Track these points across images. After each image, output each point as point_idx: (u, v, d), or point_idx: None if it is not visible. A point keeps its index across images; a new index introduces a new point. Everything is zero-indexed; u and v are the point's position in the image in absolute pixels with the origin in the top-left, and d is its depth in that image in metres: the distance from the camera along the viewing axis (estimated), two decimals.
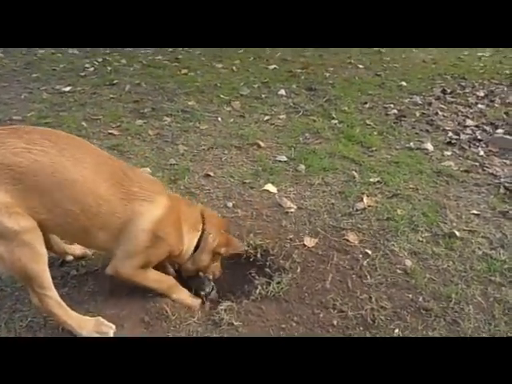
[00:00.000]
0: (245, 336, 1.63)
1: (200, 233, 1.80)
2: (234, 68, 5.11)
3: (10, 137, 1.39)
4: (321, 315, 1.75)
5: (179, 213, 1.72)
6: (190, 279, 1.90)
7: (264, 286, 1.86)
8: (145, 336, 1.61)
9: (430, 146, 3.25)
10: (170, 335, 1.62)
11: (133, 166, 1.80)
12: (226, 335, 1.63)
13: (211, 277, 1.90)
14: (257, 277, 1.93)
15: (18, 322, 1.65)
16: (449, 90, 4.50)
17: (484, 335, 1.68)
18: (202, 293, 1.85)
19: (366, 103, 4.11)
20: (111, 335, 1.59)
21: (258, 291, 1.83)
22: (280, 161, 2.99)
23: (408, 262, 2.05)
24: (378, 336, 1.66)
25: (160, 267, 1.85)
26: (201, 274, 1.89)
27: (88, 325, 1.59)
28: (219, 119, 3.65)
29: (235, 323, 1.68)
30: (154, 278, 1.76)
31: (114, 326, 1.62)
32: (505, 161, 3.07)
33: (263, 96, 4.21)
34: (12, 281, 1.82)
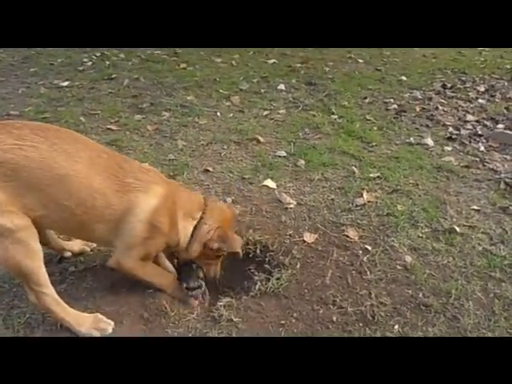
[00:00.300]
0: (243, 336, 1.62)
1: (196, 221, 1.72)
2: (233, 62, 5.07)
3: None
4: (320, 311, 1.75)
5: (175, 201, 1.66)
6: (183, 266, 1.84)
7: (263, 282, 1.85)
8: (144, 336, 1.60)
9: (430, 141, 3.24)
10: (169, 331, 1.62)
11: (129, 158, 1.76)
12: (225, 331, 1.63)
13: (202, 274, 1.83)
14: (256, 273, 1.92)
15: (16, 318, 1.65)
16: (449, 85, 4.48)
17: (484, 331, 1.67)
18: (185, 284, 1.78)
19: (365, 98, 4.08)
20: (110, 332, 1.59)
21: (257, 287, 1.82)
22: (279, 156, 2.98)
23: (408, 258, 2.04)
24: (377, 332, 1.66)
25: (160, 264, 1.84)
26: (194, 266, 1.82)
27: (86, 321, 1.59)
28: (218, 114, 3.62)
29: (234, 319, 1.67)
30: (155, 273, 1.75)
31: (112, 323, 1.61)
32: (505, 156, 3.06)
33: (262, 91, 4.19)
34: (10, 277, 1.81)
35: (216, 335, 1.61)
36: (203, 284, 1.83)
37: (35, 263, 1.45)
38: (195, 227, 1.72)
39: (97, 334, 1.57)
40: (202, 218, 1.72)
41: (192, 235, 1.72)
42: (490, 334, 1.66)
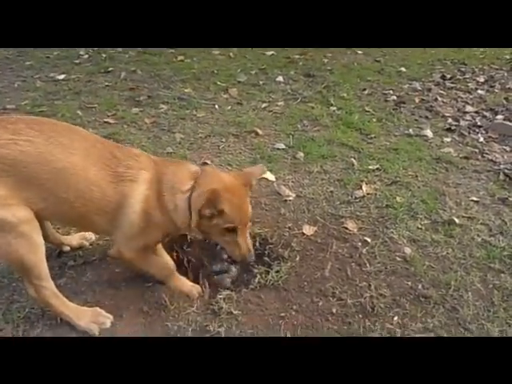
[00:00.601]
0: (239, 335, 1.62)
1: (189, 193, 1.56)
2: (230, 54, 5.03)
3: None
4: (320, 303, 1.75)
5: (161, 180, 1.58)
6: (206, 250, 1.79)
7: (263, 275, 1.85)
8: (145, 336, 1.60)
9: (429, 133, 3.22)
10: (169, 325, 1.62)
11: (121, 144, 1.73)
12: (225, 324, 1.63)
13: (226, 256, 1.75)
14: (255, 265, 1.92)
15: (15, 312, 1.65)
16: (448, 76, 4.45)
17: (483, 322, 1.68)
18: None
19: (364, 89, 4.06)
20: (109, 326, 1.59)
21: (257, 280, 1.83)
22: (278, 148, 2.96)
23: (407, 250, 2.04)
24: (377, 323, 1.66)
25: (158, 257, 1.84)
26: (218, 248, 1.76)
27: (85, 315, 1.59)
28: (216, 107, 3.60)
29: (234, 312, 1.68)
30: (155, 264, 1.75)
31: (111, 317, 1.61)
32: (504, 147, 3.05)
33: (261, 83, 4.15)
34: (9, 271, 1.81)
35: (216, 328, 1.61)
36: (233, 268, 1.76)
37: (38, 257, 1.45)
38: (190, 199, 1.56)
39: (96, 328, 1.57)
40: (193, 187, 1.56)
41: (189, 208, 1.56)
42: (489, 325, 1.67)
